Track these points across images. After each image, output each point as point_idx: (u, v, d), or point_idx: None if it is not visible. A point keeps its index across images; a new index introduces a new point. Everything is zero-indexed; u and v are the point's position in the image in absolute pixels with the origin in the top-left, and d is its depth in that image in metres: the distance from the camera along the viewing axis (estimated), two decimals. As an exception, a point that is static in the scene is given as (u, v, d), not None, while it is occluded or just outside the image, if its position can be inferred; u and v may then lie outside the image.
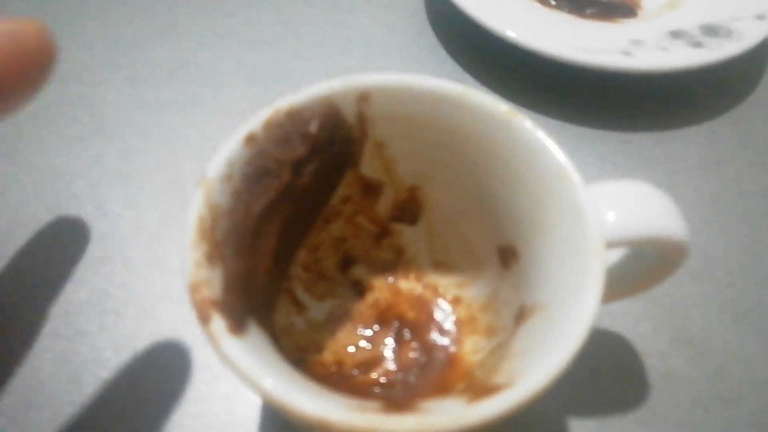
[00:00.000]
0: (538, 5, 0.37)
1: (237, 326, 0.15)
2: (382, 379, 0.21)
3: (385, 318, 0.23)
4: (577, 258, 0.16)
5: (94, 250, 0.28)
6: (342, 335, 0.23)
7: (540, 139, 0.18)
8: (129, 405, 0.23)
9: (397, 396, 0.21)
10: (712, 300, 0.27)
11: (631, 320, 0.26)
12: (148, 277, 0.27)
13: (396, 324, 0.23)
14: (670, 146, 0.33)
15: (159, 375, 0.24)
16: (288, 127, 0.19)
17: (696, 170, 0.32)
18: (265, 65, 0.36)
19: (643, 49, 0.33)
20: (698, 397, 0.24)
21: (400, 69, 0.36)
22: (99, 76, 0.35)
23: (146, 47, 0.37)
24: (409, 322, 0.23)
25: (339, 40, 0.38)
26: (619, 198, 0.18)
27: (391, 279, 0.24)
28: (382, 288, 0.24)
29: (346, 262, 0.24)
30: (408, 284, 0.24)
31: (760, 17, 0.35)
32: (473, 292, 0.23)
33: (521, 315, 0.18)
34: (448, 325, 0.23)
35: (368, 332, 0.23)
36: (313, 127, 0.19)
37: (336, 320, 0.23)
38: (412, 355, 0.22)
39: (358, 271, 0.24)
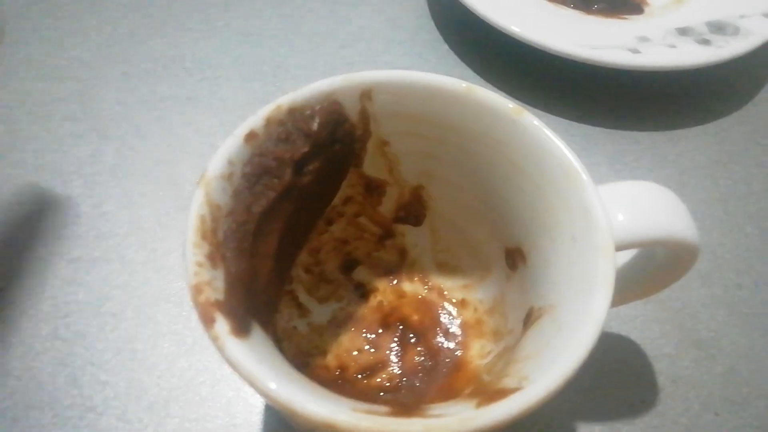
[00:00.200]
0: (544, 0, 0.37)
1: (240, 328, 0.14)
2: (387, 384, 0.21)
3: (389, 321, 0.23)
4: (587, 259, 0.16)
5: (92, 251, 0.27)
6: (345, 339, 0.22)
7: (547, 137, 0.18)
8: (129, 407, 0.22)
9: (403, 400, 0.20)
10: (721, 301, 0.26)
11: (640, 323, 0.25)
12: (147, 277, 0.26)
13: (400, 327, 0.22)
14: (678, 145, 0.33)
15: (159, 377, 0.23)
16: (289, 125, 0.18)
17: (705, 170, 0.31)
18: (264, 60, 0.36)
19: (650, 46, 0.33)
20: (708, 400, 0.23)
21: (402, 65, 0.36)
22: (94, 72, 0.34)
23: (143, 42, 0.36)
24: (413, 326, 0.22)
25: (340, 35, 0.37)
26: (629, 198, 0.17)
27: (394, 281, 0.24)
28: (385, 290, 0.23)
29: (349, 264, 0.24)
30: (412, 287, 0.24)
31: (767, 15, 0.34)
32: (479, 294, 0.22)
33: (529, 318, 0.18)
34: (454, 328, 0.22)
35: (372, 336, 0.22)
36: (314, 125, 0.18)
37: (339, 323, 0.23)
38: (417, 359, 0.22)
39: (361, 274, 0.24)
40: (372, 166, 0.21)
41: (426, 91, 0.19)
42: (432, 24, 0.39)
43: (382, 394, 0.21)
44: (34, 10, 0.38)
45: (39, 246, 0.27)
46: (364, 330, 0.22)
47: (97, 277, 0.26)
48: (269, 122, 0.18)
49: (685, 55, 0.32)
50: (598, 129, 0.33)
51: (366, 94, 0.19)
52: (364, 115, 0.20)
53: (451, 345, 0.22)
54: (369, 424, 0.12)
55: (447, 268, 0.24)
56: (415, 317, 0.23)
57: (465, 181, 0.21)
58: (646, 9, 0.37)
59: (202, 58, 0.36)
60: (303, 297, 0.23)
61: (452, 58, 0.36)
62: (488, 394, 0.13)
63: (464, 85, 0.19)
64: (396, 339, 0.22)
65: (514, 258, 0.20)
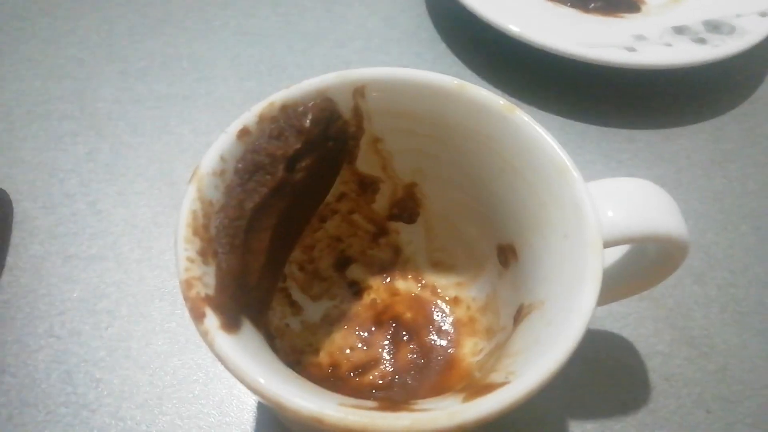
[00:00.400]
0: (540, -1, 0.37)
1: (231, 324, 0.14)
2: (379, 382, 0.21)
3: (382, 319, 0.23)
4: (577, 255, 0.16)
5: (87, 249, 0.27)
6: (338, 337, 0.22)
7: (539, 134, 0.18)
8: (123, 405, 0.22)
9: (395, 398, 0.20)
10: (715, 300, 0.26)
11: (633, 321, 0.25)
12: (141, 275, 0.26)
13: (393, 325, 0.22)
14: (674, 144, 0.33)
15: (152, 375, 0.23)
16: (282, 122, 0.18)
17: (700, 169, 0.31)
18: (260, 59, 0.36)
19: (646, 45, 0.33)
20: (700, 397, 0.23)
21: (399, 63, 0.36)
22: (91, 71, 0.35)
23: (140, 41, 0.36)
24: (406, 324, 0.22)
25: (337, 34, 0.38)
26: (619, 195, 0.17)
27: (388, 279, 0.24)
28: (379, 288, 0.23)
29: (343, 262, 0.24)
30: (406, 284, 0.24)
31: (763, 14, 0.34)
32: (473, 292, 0.22)
33: (520, 314, 0.18)
34: (447, 326, 0.22)
35: (365, 334, 0.22)
36: (307, 122, 0.18)
37: (332, 321, 0.23)
38: (409, 357, 0.22)
39: (354, 271, 0.24)
40: (365, 163, 0.21)
41: (418, 88, 0.19)
42: (429, 22, 0.39)
43: (374, 391, 0.21)
44: (32, 9, 0.38)
45: (35, 243, 0.27)
46: (357, 328, 0.22)
47: (92, 275, 0.26)
48: (262, 119, 0.18)
49: (681, 53, 0.32)
50: (594, 127, 0.33)
51: (359, 91, 0.19)
52: (358, 112, 0.20)
53: (444, 343, 0.22)
54: (356, 418, 0.12)
55: (441, 266, 0.24)
56: (408, 315, 0.23)
57: (458, 178, 0.21)
58: (643, 8, 0.37)
59: (198, 57, 0.36)
60: (296, 294, 0.23)
61: (449, 57, 0.37)
62: (475, 388, 0.13)
63: (456, 82, 0.19)
64: (389, 337, 0.22)
65: (506, 255, 0.20)
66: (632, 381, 0.24)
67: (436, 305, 0.23)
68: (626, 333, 0.25)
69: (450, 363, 0.21)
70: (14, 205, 0.28)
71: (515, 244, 0.19)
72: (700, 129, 0.33)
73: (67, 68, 0.35)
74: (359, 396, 0.20)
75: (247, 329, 0.15)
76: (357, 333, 0.22)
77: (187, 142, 0.31)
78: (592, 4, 0.37)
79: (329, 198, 0.22)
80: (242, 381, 0.13)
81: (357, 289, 0.24)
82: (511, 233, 0.19)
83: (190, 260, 0.15)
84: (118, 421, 0.22)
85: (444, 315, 0.23)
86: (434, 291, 0.23)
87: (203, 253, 0.16)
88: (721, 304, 0.26)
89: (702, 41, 0.33)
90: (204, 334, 0.14)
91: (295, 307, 0.22)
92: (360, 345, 0.22)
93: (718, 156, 0.32)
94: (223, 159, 0.17)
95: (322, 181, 0.21)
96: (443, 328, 0.22)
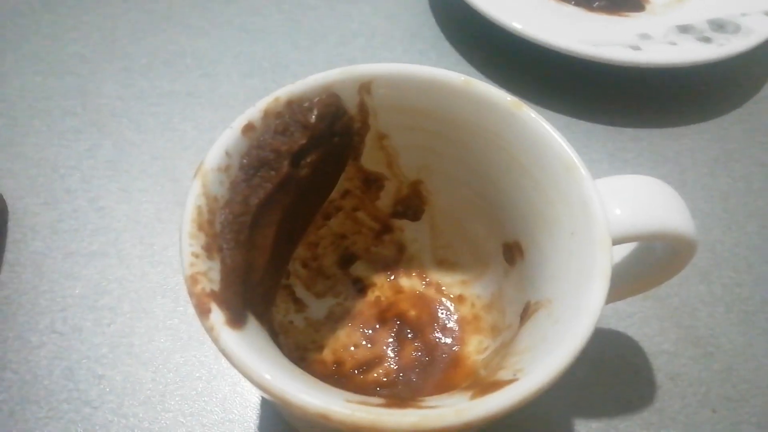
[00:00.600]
0: (544, -3, 0.37)
1: (236, 319, 0.14)
2: (384, 379, 0.21)
3: (386, 317, 0.22)
4: (584, 253, 0.15)
5: (88, 245, 0.27)
6: (342, 334, 0.22)
7: (546, 131, 0.17)
8: (125, 402, 0.22)
9: (400, 395, 0.20)
10: (720, 299, 0.26)
11: (638, 320, 0.25)
12: (144, 272, 0.26)
13: (397, 323, 0.22)
14: (679, 143, 0.32)
15: (155, 372, 0.23)
16: (287, 117, 0.18)
17: (705, 167, 0.31)
18: (264, 56, 0.36)
19: (651, 44, 0.33)
20: (706, 397, 0.23)
21: (402, 61, 0.35)
22: (94, 67, 0.34)
23: (143, 37, 0.36)
24: (411, 321, 0.22)
25: (340, 31, 0.37)
26: (627, 192, 0.17)
27: (392, 277, 0.24)
28: (383, 286, 0.23)
29: (347, 259, 0.24)
30: (410, 282, 0.23)
31: (768, 13, 0.34)
32: (477, 290, 0.22)
33: (526, 312, 0.18)
34: (452, 324, 0.22)
35: (369, 331, 0.22)
36: (312, 117, 0.18)
37: (336, 319, 0.22)
38: (414, 354, 0.21)
39: (358, 269, 0.24)
40: (370, 159, 0.21)
41: (424, 85, 0.19)
42: (433, 20, 0.38)
43: (378, 389, 0.21)
44: (35, 6, 0.38)
45: (36, 240, 0.27)
46: (361, 325, 0.22)
47: (94, 272, 0.26)
48: (267, 114, 0.18)
49: (685, 52, 0.32)
50: (598, 126, 0.33)
51: (365, 87, 0.19)
52: (363, 108, 0.19)
53: (448, 340, 0.22)
54: (363, 415, 0.12)
55: (445, 263, 0.23)
56: (413, 313, 0.23)
57: (464, 175, 0.21)
58: (648, 6, 0.37)
59: (202, 54, 0.35)
60: (300, 292, 0.23)
61: (453, 55, 0.36)
62: (483, 386, 0.13)
63: (462, 78, 0.18)
64: (393, 334, 0.22)
65: (513, 253, 0.20)
66: (637, 380, 0.24)
67: (441, 303, 0.23)
68: (632, 332, 0.25)
69: (454, 361, 0.21)
70: (15, 201, 0.28)
71: (521, 242, 0.19)
72: (704, 128, 0.33)
73: (70, 65, 0.34)
74: (364, 393, 0.19)
75: (252, 325, 0.15)
76: (361, 330, 0.22)
77: (190, 139, 0.31)
78: (597, 3, 0.37)
79: (334, 195, 0.22)
80: (248, 377, 0.13)
81: (361, 287, 0.23)
82: (518, 231, 0.19)
83: (195, 255, 0.15)
84: (120, 418, 0.22)
85: (448, 313, 0.22)
86: (439, 289, 0.23)
87: (208, 249, 0.16)
88: (726, 303, 0.26)
89: (707, 40, 0.33)
90: (209, 330, 0.14)
91: (299, 304, 0.22)
92: (364, 342, 0.22)
93: (723, 155, 0.32)
94: (228, 154, 0.17)
95: (326, 177, 0.21)
96: (448, 325, 0.22)
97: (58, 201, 0.28)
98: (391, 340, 0.22)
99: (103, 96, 0.33)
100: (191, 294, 0.14)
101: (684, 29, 0.34)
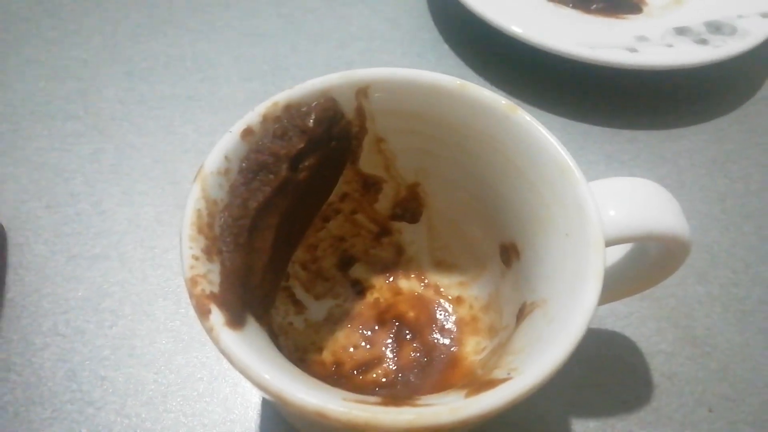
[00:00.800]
0: (543, 0, 0.37)
1: (235, 320, 0.15)
2: (383, 380, 0.21)
3: (385, 318, 0.23)
4: (579, 254, 0.16)
5: (91, 248, 0.27)
6: (341, 335, 0.22)
7: (541, 134, 0.18)
8: (127, 402, 0.23)
9: (398, 395, 0.20)
10: (717, 299, 0.26)
11: (636, 320, 0.25)
12: (145, 274, 0.26)
13: (396, 324, 0.22)
14: (676, 144, 0.33)
15: (157, 373, 0.23)
16: (285, 121, 0.18)
17: (702, 169, 0.32)
18: (263, 60, 0.36)
19: (648, 46, 0.33)
20: (702, 396, 0.24)
21: (401, 64, 0.36)
22: (96, 71, 0.35)
23: (143, 41, 0.37)
24: (409, 323, 0.23)
25: (339, 35, 0.38)
26: (621, 194, 0.17)
27: (391, 278, 0.24)
28: (382, 287, 0.24)
29: (346, 261, 0.24)
30: (408, 284, 0.24)
31: (764, 15, 0.35)
32: (475, 291, 0.23)
33: (522, 312, 0.18)
34: (450, 325, 0.22)
35: (368, 332, 0.22)
36: (310, 121, 0.18)
37: (335, 320, 0.23)
38: (412, 355, 0.22)
39: (357, 271, 0.24)
40: (368, 163, 0.21)
41: (421, 89, 0.19)
42: (432, 23, 0.39)
43: (377, 389, 0.21)
44: (36, 11, 0.38)
45: (39, 243, 0.27)
46: (360, 327, 0.23)
47: (96, 274, 0.26)
48: (266, 119, 0.18)
49: (682, 54, 0.32)
50: (596, 128, 0.33)
51: (362, 91, 0.19)
52: (361, 112, 0.20)
53: (447, 341, 0.22)
54: (360, 412, 0.12)
55: (443, 265, 0.24)
56: (411, 314, 0.23)
57: (461, 177, 0.21)
58: (645, 9, 0.37)
59: (202, 58, 0.36)
60: (299, 293, 0.23)
61: (452, 58, 0.37)
62: (478, 384, 0.13)
63: (458, 82, 0.19)
64: (392, 336, 0.22)
65: (509, 254, 0.20)
66: (635, 380, 0.24)
67: (439, 304, 0.23)
68: (629, 332, 0.25)
69: (453, 361, 0.21)
70: (19, 205, 0.28)
71: (518, 243, 0.19)
72: (701, 129, 0.34)
73: (72, 69, 0.35)
74: (362, 394, 0.20)
75: (252, 326, 0.16)
76: (360, 332, 0.22)
77: (191, 142, 0.32)
78: (594, 5, 0.37)
79: (332, 198, 0.22)
80: (247, 377, 0.13)
81: (360, 289, 0.24)
82: (514, 232, 0.19)
83: (195, 258, 0.15)
84: (123, 419, 0.22)
85: (447, 314, 0.23)
86: (437, 290, 0.23)
87: (208, 251, 0.16)
88: (723, 303, 0.26)
89: (703, 42, 0.33)
90: (209, 331, 0.14)
91: (298, 306, 0.23)
92: (363, 344, 0.22)
93: (720, 156, 0.32)
94: (227, 158, 0.17)
95: (325, 180, 0.21)
96: (446, 326, 0.22)
97: (61, 204, 0.29)
98: (389, 341, 0.22)
99: (104, 100, 0.33)
100: (191, 296, 0.15)
101: (681, 31, 0.34)
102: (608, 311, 0.26)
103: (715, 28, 0.34)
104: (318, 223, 0.23)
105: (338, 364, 0.22)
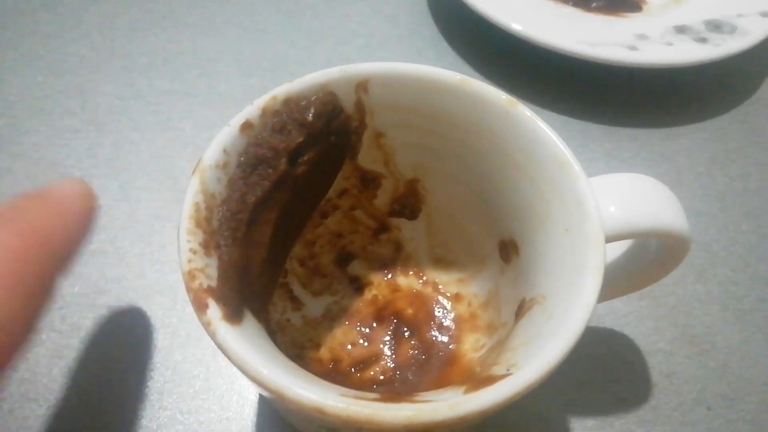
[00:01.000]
0: (542, -2, 0.37)
1: (233, 315, 0.14)
2: (381, 377, 0.21)
3: (383, 315, 0.23)
4: (579, 250, 0.16)
5: (87, 243, 0.27)
6: (339, 332, 0.22)
7: (540, 129, 0.18)
8: (123, 400, 0.22)
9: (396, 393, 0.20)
10: (716, 298, 0.26)
11: (634, 319, 0.25)
12: (142, 270, 0.26)
13: (394, 321, 0.22)
14: (675, 143, 0.33)
15: (153, 370, 0.23)
16: (284, 115, 0.18)
17: (701, 167, 0.32)
18: (262, 56, 0.36)
19: (647, 44, 0.33)
20: (701, 395, 0.23)
21: (400, 60, 0.35)
22: (94, 66, 0.35)
23: (142, 37, 0.36)
24: (407, 320, 0.22)
25: (339, 31, 0.38)
26: (620, 190, 0.17)
27: (389, 275, 0.24)
28: (380, 284, 0.23)
29: (344, 258, 0.24)
30: (407, 281, 0.24)
31: (764, 14, 0.35)
32: (474, 288, 0.22)
33: (521, 309, 0.18)
34: (448, 322, 0.22)
35: (366, 329, 0.22)
36: (309, 115, 0.18)
37: (333, 317, 0.23)
38: (410, 352, 0.22)
39: (356, 267, 0.24)
40: (367, 158, 0.21)
41: (421, 83, 0.19)
42: (431, 20, 0.39)
43: (375, 387, 0.21)
44: (34, 5, 0.38)
45: None
46: (358, 323, 0.22)
47: (92, 270, 0.26)
48: (265, 112, 0.18)
49: (682, 52, 0.32)
50: (595, 125, 0.33)
51: (362, 85, 0.19)
52: (360, 107, 0.20)
53: (445, 339, 0.22)
54: (358, 409, 0.12)
55: (442, 262, 0.24)
56: (410, 311, 0.23)
57: (460, 173, 0.21)
58: (645, 7, 0.37)
59: (201, 53, 0.36)
60: (297, 290, 0.23)
61: (451, 55, 0.37)
62: (477, 380, 0.13)
63: (458, 77, 0.19)
64: (390, 333, 0.22)
65: (508, 250, 0.20)
66: (633, 378, 0.24)
67: (438, 301, 0.23)
68: (627, 330, 0.25)
69: (451, 359, 0.21)
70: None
71: (517, 240, 0.19)
72: (701, 128, 0.33)
73: (69, 64, 0.35)
74: (361, 390, 0.20)
75: (249, 321, 0.15)
76: (358, 329, 0.22)
77: (189, 138, 0.31)
78: (594, 3, 0.37)
79: (331, 194, 0.22)
80: (244, 372, 0.13)
81: (358, 285, 0.23)
82: (513, 228, 0.19)
83: (193, 252, 0.15)
84: (118, 416, 0.22)
85: (445, 311, 0.23)
86: (435, 287, 0.23)
87: (206, 245, 0.16)
88: (722, 301, 0.26)
89: (703, 41, 0.33)
90: (206, 325, 0.14)
91: (296, 302, 0.22)
92: (361, 341, 0.22)
93: (720, 155, 0.32)
94: (226, 152, 0.17)
95: (324, 175, 0.21)
96: (444, 324, 0.22)
97: (57, 199, 0.28)
98: (388, 338, 0.22)
99: (102, 95, 0.33)
100: (189, 289, 0.14)
101: (680, 30, 0.34)
102: (607, 309, 0.26)
103: (715, 26, 0.34)
104: (316, 218, 0.23)
105: (336, 361, 0.21)
